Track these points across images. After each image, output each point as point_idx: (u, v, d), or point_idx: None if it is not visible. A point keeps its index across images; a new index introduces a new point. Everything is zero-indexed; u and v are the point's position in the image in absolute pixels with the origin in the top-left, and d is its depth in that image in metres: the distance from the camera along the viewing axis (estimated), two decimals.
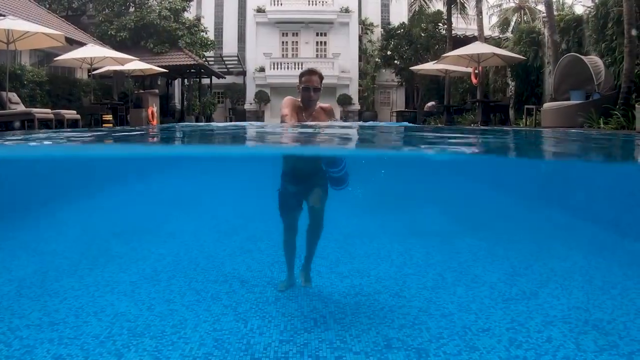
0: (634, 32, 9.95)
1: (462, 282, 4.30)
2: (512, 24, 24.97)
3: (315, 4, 29.34)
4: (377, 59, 28.66)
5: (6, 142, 3.83)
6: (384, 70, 29.09)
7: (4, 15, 11.89)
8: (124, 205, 7.69)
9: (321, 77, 3.73)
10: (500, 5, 27.10)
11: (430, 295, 3.98)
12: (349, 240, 5.50)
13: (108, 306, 3.66)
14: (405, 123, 15.50)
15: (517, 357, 2.95)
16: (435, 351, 3.02)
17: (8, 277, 4.28)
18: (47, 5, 20.78)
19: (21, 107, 11.39)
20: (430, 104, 20.95)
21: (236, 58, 29.33)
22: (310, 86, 3.64)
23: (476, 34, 18.71)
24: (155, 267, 4.62)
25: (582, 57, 11.49)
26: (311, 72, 3.69)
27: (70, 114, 12.14)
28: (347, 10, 29.24)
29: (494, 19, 26.84)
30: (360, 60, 29.94)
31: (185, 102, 23.97)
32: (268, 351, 3.01)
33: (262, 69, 29.12)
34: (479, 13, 18.30)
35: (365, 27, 30.68)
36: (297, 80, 3.74)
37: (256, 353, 2.98)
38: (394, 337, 3.19)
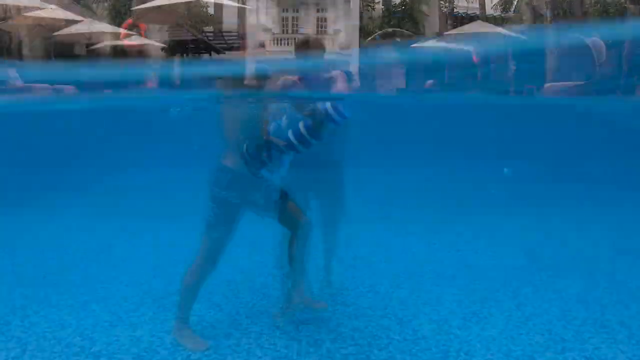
0: None
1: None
2: (515, 2, 24.60)
3: None
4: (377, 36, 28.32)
5: None
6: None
7: None
8: None
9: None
10: None
11: None
12: None
13: None
14: None
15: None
16: None
17: None
18: None
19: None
20: (429, 81, 20.81)
21: (236, 34, 28.93)
22: None
23: (478, 12, 18.49)
24: None
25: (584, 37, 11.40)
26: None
27: None
28: None
29: None
30: (360, 37, 29.50)
31: None
32: None
33: (262, 45, 28.75)
34: None
35: (366, 4, 30.20)
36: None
37: None
38: None
